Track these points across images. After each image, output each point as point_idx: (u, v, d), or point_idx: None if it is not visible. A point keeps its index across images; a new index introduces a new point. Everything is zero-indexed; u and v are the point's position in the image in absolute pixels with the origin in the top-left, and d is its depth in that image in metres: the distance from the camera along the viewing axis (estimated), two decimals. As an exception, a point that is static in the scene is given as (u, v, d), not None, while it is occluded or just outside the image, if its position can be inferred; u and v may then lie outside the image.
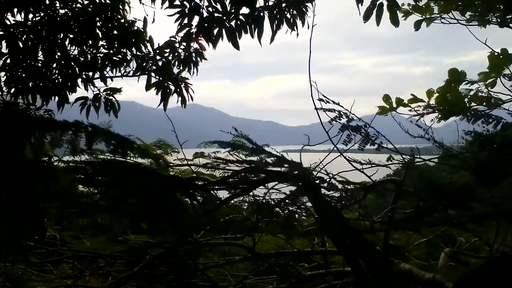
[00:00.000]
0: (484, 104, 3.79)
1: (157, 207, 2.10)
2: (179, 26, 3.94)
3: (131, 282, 3.77)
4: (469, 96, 3.81)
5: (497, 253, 3.01)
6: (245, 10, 3.81)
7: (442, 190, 2.24)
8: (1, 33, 3.93)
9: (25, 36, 4.02)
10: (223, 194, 2.97)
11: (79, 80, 4.35)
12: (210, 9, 3.85)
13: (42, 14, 4.09)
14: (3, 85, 4.16)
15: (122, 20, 4.40)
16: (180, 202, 2.45)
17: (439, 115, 3.11)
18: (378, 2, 3.68)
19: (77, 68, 4.29)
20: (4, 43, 3.95)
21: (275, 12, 3.80)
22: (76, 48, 4.33)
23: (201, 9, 3.86)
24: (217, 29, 3.87)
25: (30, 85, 4.21)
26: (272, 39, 3.95)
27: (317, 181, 2.61)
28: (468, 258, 4.15)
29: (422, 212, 2.54)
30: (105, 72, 4.42)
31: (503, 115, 2.98)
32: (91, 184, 2.07)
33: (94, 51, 4.36)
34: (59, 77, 4.25)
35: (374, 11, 3.69)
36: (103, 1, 4.29)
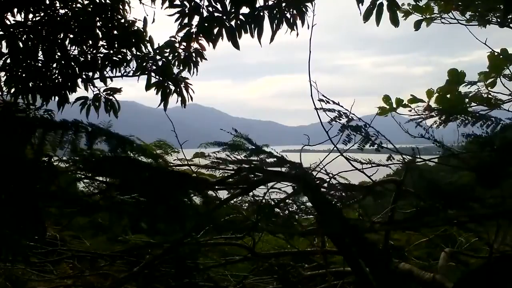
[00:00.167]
0: (484, 104, 3.80)
1: (167, 205, 2.11)
2: (179, 26, 3.94)
3: (131, 282, 3.77)
4: (469, 96, 3.81)
5: (497, 253, 3.01)
6: (245, 9, 3.81)
7: (442, 190, 2.24)
8: (1, 33, 3.93)
9: (25, 36, 4.02)
10: (223, 194, 2.97)
11: (79, 80, 4.35)
12: (210, 8, 3.85)
13: (42, 14, 4.10)
14: (3, 85, 4.16)
15: (122, 20, 4.40)
16: (183, 201, 2.46)
17: (440, 119, 3.11)
18: (378, 2, 3.68)
19: (77, 68, 4.30)
20: (4, 43, 3.96)
21: (275, 12, 3.80)
22: (76, 48, 4.34)
23: (201, 9, 3.86)
24: (217, 28, 3.87)
25: (30, 85, 4.21)
26: (272, 39, 3.95)
27: (317, 181, 2.61)
28: (468, 258, 4.15)
29: (422, 212, 2.54)
30: (105, 72, 4.42)
31: (503, 115, 2.98)
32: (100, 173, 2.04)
33: (94, 51, 4.37)
34: (59, 77, 4.26)
35: (374, 11, 3.69)
36: (103, 1, 4.29)
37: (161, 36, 4.58)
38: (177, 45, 4.50)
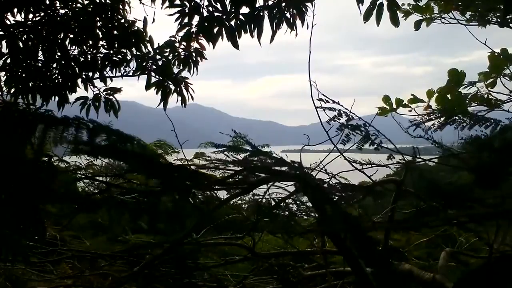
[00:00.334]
0: (484, 104, 3.80)
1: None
2: (179, 26, 3.94)
3: (131, 282, 3.77)
4: (469, 97, 3.81)
5: (497, 253, 3.00)
6: (245, 9, 3.81)
7: (442, 190, 2.24)
8: (1, 33, 3.93)
9: (25, 36, 4.02)
10: (223, 194, 2.97)
11: (79, 80, 4.36)
12: (210, 8, 3.85)
13: (42, 14, 4.10)
14: (3, 85, 4.17)
15: (122, 20, 4.40)
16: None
17: (439, 121, 3.11)
18: (378, 2, 3.68)
19: (77, 68, 4.30)
20: (4, 43, 3.96)
21: (275, 11, 3.80)
22: (76, 48, 4.34)
23: (201, 9, 3.86)
24: (217, 28, 3.87)
25: (30, 85, 4.22)
26: (272, 39, 3.95)
27: (318, 181, 2.61)
28: (468, 258, 4.15)
29: (422, 212, 2.54)
30: (105, 72, 4.43)
31: (503, 116, 2.98)
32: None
33: (94, 51, 4.37)
34: (59, 77, 4.26)
35: (374, 11, 3.69)
36: (103, 1, 4.30)
37: (161, 36, 4.60)
38: (177, 44, 4.50)
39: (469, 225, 3.85)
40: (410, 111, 3.81)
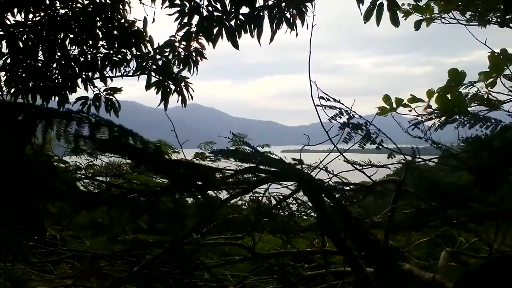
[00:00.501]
0: (485, 103, 3.80)
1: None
2: (178, 25, 3.95)
3: (131, 282, 3.77)
4: (469, 96, 3.81)
5: (497, 253, 3.01)
6: (245, 9, 3.82)
7: (442, 190, 2.24)
8: (1, 33, 3.93)
9: (25, 36, 4.02)
10: (222, 194, 2.96)
11: (79, 80, 4.36)
12: (210, 8, 3.85)
13: (42, 14, 4.10)
14: (3, 85, 4.17)
15: (122, 20, 4.41)
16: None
17: (439, 121, 3.11)
18: (378, 2, 3.69)
19: (77, 68, 4.30)
20: (4, 43, 3.96)
21: (274, 11, 3.80)
22: (76, 48, 4.34)
23: (201, 8, 3.86)
24: (217, 28, 3.87)
25: (30, 85, 4.22)
26: (271, 39, 3.96)
27: (318, 181, 2.60)
28: (468, 258, 4.15)
29: (422, 212, 2.54)
30: (105, 72, 4.43)
31: (503, 116, 2.97)
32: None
33: (94, 51, 4.37)
34: (59, 77, 4.26)
35: (375, 11, 3.70)
36: (103, 1, 4.30)
37: (161, 36, 4.61)
38: (177, 44, 4.51)
39: (469, 225, 3.85)
40: (410, 111, 3.81)
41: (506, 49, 3.88)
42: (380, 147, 2.52)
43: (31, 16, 4.06)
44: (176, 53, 4.57)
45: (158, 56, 4.52)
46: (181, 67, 4.60)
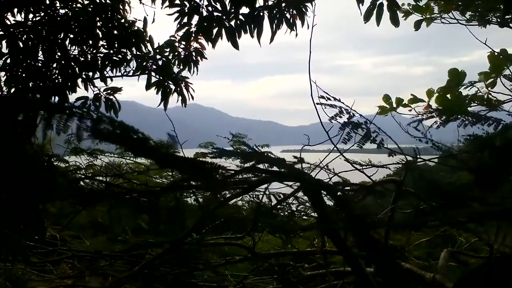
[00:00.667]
0: (485, 103, 3.79)
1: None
2: (178, 25, 3.95)
3: (131, 282, 3.77)
4: (469, 96, 3.81)
5: (497, 253, 3.00)
6: (244, 9, 3.82)
7: (442, 190, 2.24)
8: (1, 33, 3.93)
9: (25, 36, 4.02)
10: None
11: (79, 80, 4.36)
12: (209, 8, 3.86)
13: (42, 14, 4.10)
14: (3, 85, 4.16)
15: (122, 20, 4.41)
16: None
17: (440, 120, 3.11)
18: (378, 2, 3.69)
19: (77, 68, 4.30)
20: (4, 43, 3.96)
21: (274, 12, 3.81)
22: (76, 48, 4.34)
23: (200, 9, 3.86)
24: (217, 28, 3.87)
25: (30, 85, 4.21)
26: (271, 39, 3.96)
27: (318, 180, 2.60)
28: (468, 258, 4.15)
29: (422, 212, 2.54)
30: (105, 72, 4.43)
31: (503, 116, 2.97)
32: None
33: (94, 51, 4.37)
34: (59, 77, 4.26)
35: (375, 11, 3.70)
36: (103, 1, 4.30)
37: (161, 36, 4.59)
38: (177, 44, 4.51)
39: (469, 225, 3.85)
40: (410, 110, 3.81)
41: (506, 49, 3.88)
42: (381, 146, 2.52)
43: (31, 16, 4.06)
44: (176, 53, 4.57)
45: (158, 56, 4.52)
46: (181, 67, 4.60)
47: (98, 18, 4.29)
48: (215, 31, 3.91)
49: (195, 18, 3.93)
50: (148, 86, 4.52)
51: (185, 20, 3.94)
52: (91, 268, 4.20)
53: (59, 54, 4.20)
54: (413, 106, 3.81)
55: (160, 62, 4.53)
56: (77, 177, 2.94)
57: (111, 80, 4.53)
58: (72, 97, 4.43)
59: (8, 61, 4.06)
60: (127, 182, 3.04)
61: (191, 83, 4.65)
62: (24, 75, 4.17)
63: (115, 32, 4.36)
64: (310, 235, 4.47)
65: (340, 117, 2.50)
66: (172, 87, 4.56)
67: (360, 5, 3.64)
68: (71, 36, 4.25)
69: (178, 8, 3.91)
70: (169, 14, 3.94)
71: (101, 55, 4.38)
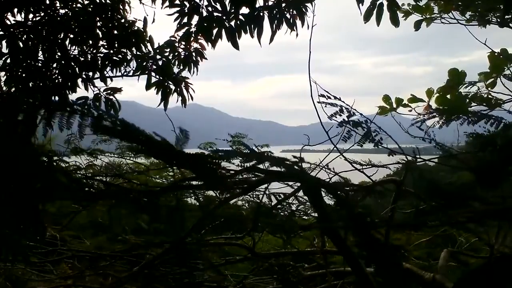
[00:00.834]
0: (484, 104, 3.79)
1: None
2: (178, 25, 3.95)
3: (131, 282, 3.77)
4: (469, 96, 3.81)
5: (497, 253, 3.00)
6: (244, 10, 3.82)
7: (443, 190, 2.24)
8: (1, 33, 3.93)
9: (25, 36, 4.02)
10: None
11: (79, 80, 4.35)
12: (209, 8, 3.85)
13: (42, 14, 4.10)
14: (3, 85, 4.16)
15: (122, 20, 4.40)
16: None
17: (441, 119, 3.11)
18: (378, 2, 3.69)
19: (77, 68, 4.29)
20: (4, 43, 3.96)
21: (274, 12, 3.80)
22: (76, 48, 4.34)
23: (200, 9, 3.86)
24: (217, 29, 3.87)
25: (30, 85, 4.21)
26: (271, 39, 3.96)
27: (318, 180, 2.60)
28: (468, 258, 4.15)
29: (422, 212, 2.54)
30: (105, 72, 4.42)
31: (503, 115, 2.97)
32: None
33: (94, 51, 4.37)
34: (59, 77, 4.25)
35: (375, 11, 3.70)
36: (103, 1, 4.30)
37: (161, 36, 4.59)
38: (177, 44, 4.50)
39: (469, 225, 3.85)
40: (410, 111, 3.81)
41: (506, 49, 3.87)
42: (380, 146, 2.52)
43: (31, 16, 4.05)
44: (176, 53, 4.56)
45: (158, 56, 4.51)
46: (181, 67, 4.59)
47: (98, 18, 4.29)
48: (215, 31, 3.90)
49: (195, 18, 3.93)
50: (148, 86, 4.51)
51: (185, 20, 3.93)
52: (91, 268, 4.21)
53: (59, 54, 4.20)
54: (413, 106, 3.81)
55: (160, 62, 4.53)
56: (78, 177, 2.94)
57: (111, 80, 4.53)
58: (72, 97, 4.43)
59: (8, 61, 4.06)
60: (127, 182, 3.04)
61: (191, 83, 4.65)
62: (24, 75, 4.16)
63: (115, 32, 4.36)
64: (310, 235, 4.47)
65: (340, 115, 2.49)
66: (172, 87, 4.56)
67: (360, 5, 3.64)
68: (71, 36, 4.25)
69: (178, 8, 3.90)
70: (169, 14, 3.94)
71: (101, 55, 4.37)
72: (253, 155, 2.26)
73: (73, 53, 4.32)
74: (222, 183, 2.21)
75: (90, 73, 4.41)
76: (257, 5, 3.76)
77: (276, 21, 3.81)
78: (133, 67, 4.51)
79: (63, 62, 4.23)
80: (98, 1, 4.26)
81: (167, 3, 3.91)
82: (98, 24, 4.29)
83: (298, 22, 3.88)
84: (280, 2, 3.82)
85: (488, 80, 3.85)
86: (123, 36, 4.35)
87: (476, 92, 3.81)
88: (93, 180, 2.75)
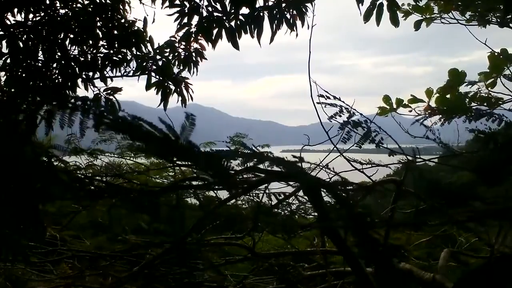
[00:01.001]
0: (484, 104, 3.79)
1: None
2: (178, 26, 3.95)
3: (131, 282, 3.77)
4: (469, 96, 3.81)
5: (497, 253, 3.00)
6: (244, 10, 3.81)
7: (443, 190, 2.24)
8: (1, 33, 3.93)
9: (25, 36, 4.02)
10: (223, 194, 2.97)
11: (79, 80, 4.35)
12: (209, 8, 3.85)
13: (42, 14, 4.09)
14: (3, 85, 4.16)
15: (122, 20, 4.40)
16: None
17: (441, 117, 3.11)
18: (378, 2, 3.69)
19: (77, 68, 4.29)
20: (4, 43, 3.95)
21: (274, 12, 3.80)
22: (76, 48, 4.33)
23: (200, 9, 3.86)
24: (217, 29, 3.87)
25: (30, 85, 4.21)
26: (271, 39, 3.96)
27: (318, 180, 2.60)
28: (468, 258, 4.16)
29: (422, 212, 2.54)
30: (105, 72, 4.42)
31: (504, 115, 2.97)
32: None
33: (94, 51, 4.36)
34: (59, 77, 4.25)
35: (374, 11, 3.70)
36: (104, 1, 4.29)
37: (161, 36, 4.59)
38: (177, 44, 4.50)
39: (469, 225, 3.85)
40: (410, 111, 3.81)
41: (506, 49, 3.88)
42: (380, 146, 2.51)
43: (31, 16, 4.05)
44: (176, 54, 4.56)
45: (158, 57, 4.51)
46: (181, 67, 4.59)
47: (98, 18, 4.28)
48: (215, 31, 3.90)
49: (195, 19, 3.93)
50: (148, 87, 4.51)
51: (185, 20, 3.93)
52: (91, 268, 4.21)
53: (59, 54, 4.19)
54: (413, 107, 3.81)
55: (160, 63, 4.53)
56: (78, 175, 2.94)
57: (111, 80, 4.52)
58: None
59: (8, 61, 4.06)
60: (127, 182, 3.04)
61: (191, 84, 4.65)
62: (24, 75, 4.16)
63: (115, 32, 4.35)
64: (310, 235, 4.47)
65: (340, 116, 2.49)
66: (172, 87, 4.56)
67: (360, 5, 3.64)
68: (71, 36, 4.24)
69: (178, 9, 3.90)
70: (169, 15, 3.94)
71: (101, 55, 4.37)
72: (253, 155, 2.25)
73: (73, 53, 4.32)
74: (232, 181, 2.20)
75: (90, 73, 4.41)
76: (257, 5, 3.76)
77: (276, 21, 3.81)
78: (133, 67, 4.51)
79: (63, 62, 4.22)
80: (98, 1, 4.26)
81: (167, 3, 3.91)
82: (98, 24, 4.29)
83: (298, 22, 3.88)
84: (280, 2, 3.81)
85: (488, 80, 3.85)
86: (123, 36, 4.35)
87: (476, 91, 3.81)
88: (93, 180, 2.75)
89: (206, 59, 4.61)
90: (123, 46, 4.38)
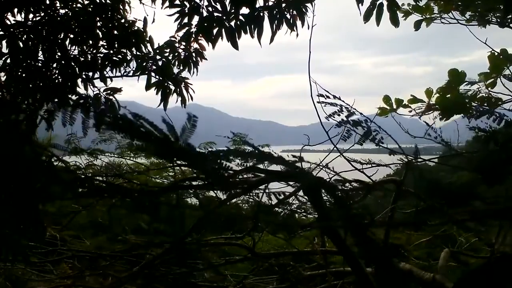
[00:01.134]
0: (484, 104, 3.79)
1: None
2: (178, 26, 3.95)
3: (131, 282, 3.77)
4: (469, 95, 3.81)
5: (497, 253, 3.00)
6: (245, 10, 3.81)
7: (443, 189, 2.24)
8: (1, 33, 3.93)
9: (25, 36, 4.01)
10: (223, 194, 2.96)
11: (79, 80, 4.35)
12: (209, 8, 3.85)
13: (42, 14, 4.09)
14: (3, 85, 4.16)
15: (122, 20, 4.40)
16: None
17: (440, 115, 3.10)
18: (378, 2, 3.69)
19: (77, 68, 4.29)
20: (4, 43, 3.95)
21: (275, 12, 3.80)
22: (76, 48, 4.33)
23: (200, 9, 3.86)
24: (217, 29, 3.87)
25: (30, 85, 4.21)
26: (271, 39, 3.95)
27: (318, 179, 2.60)
28: (468, 258, 4.15)
29: (422, 211, 2.54)
30: (105, 72, 4.42)
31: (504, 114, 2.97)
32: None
33: (94, 51, 4.36)
34: (59, 77, 4.25)
35: (374, 11, 3.70)
36: (104, 1, 4.29)
37: (161, 36, 4.59)
38: (177, 45, 4.50)
39: (469, 225, 3.85)
40: (410, 111, 3.81)
41: (506, 49, 3.88)
42: (380, 145, 2.52)
43: (31, 16, 4.04)
44: (176, 54, 4.56)
45: (158, 57, 4.51)
46: (181, 67, 4.59)
47: (98, 18, 4.28)
48: (215, 31, 3.90)
49: (195, 19, 3.92)
50: (148, 87, 4.51)
51: (185, 20, 3.93)
52: (91, 268, 4.21)
53: (59, 54, 4.19)
54: (413, 107, 3.81)
55: (160, 63, 4.52)
56: (78, 176, 2.94)
57: (111, 80, 4.52)
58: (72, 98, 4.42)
59: (8, 61, 4.06)
60: (127, 182, 3.03)
61: (191, 84, 4.65)
62: (24, 75, 4.16)
63: (115, 32, 4.35)
64: (310, 235, 4.47)
65: (339, 115, 2.50)
66: (172, 87, 4.55)
67: (360, 5, 3.63)
68: (71, 36, 4.24)
69: (178, 9, 3.90)
70: (169, 15, 3.94)
71: (101, 55, 4.36)
72: (253, 155, 2.25)
73: (73, 53, 4.32)
74: (228, 182, 2.20)
75: (90, 73, 4.41)
76: (257, 5, 3.75)
77: (276, 21, 3.81)
78: (133, 67, 4.50)
79: (63, 62, 4.22)
80: (98, 1, 4.25)
81: (167, 3, 3.91)
82: (98, 24, 4.29)
83: (298, 22, 3.87)
84: (280, 2, 3.81)
85: (488, 80, 3.85)
86: (123, 36, 4.35)
87: (475, 91, 3.81)
88: (93, 179, 2.75)
89: (206, 59, 4.61)
90: (123, 46, 4.38)
